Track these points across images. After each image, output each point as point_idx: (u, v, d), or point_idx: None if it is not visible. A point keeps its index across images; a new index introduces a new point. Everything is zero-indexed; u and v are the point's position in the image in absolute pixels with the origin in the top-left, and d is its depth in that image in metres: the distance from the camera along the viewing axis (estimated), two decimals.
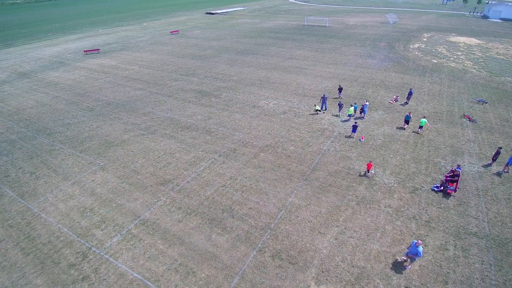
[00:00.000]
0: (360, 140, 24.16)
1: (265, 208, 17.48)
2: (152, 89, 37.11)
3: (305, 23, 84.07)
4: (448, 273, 13.40)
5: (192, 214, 17.21)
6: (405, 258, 13.89)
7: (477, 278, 13.14)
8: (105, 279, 13.59)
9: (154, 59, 51.47)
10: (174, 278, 13.56)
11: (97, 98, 34.76)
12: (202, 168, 21.34)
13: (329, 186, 19.13)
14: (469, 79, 37.22)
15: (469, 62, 44.14)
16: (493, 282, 12.98)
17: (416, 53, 50.22)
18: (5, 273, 14.09)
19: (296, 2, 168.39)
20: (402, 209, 17.08)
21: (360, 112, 27.98)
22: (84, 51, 57.42)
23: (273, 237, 15.56)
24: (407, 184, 19.02)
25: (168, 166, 21.68)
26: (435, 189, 18.30)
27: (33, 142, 25.56)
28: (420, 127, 24.68)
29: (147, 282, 13.39)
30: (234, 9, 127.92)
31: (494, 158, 20.26)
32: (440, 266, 13.71)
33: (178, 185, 19.60)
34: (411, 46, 54.64)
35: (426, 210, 16.90)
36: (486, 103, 30.19)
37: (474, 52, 49.99)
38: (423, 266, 13.74)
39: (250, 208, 17.55)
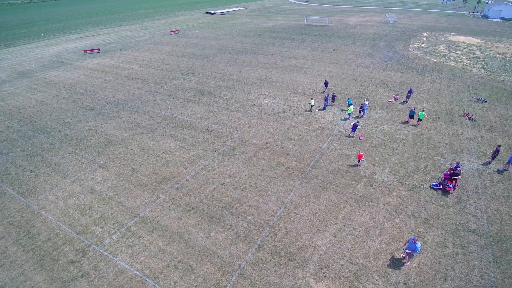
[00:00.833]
0: (359, 138, 24.18)
1: (264, 206, 17.51)
2: (152, 88, 37.15)
3: (305, 23, 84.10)
4: (447, 270, 13.42)
5: (192, 211, 17.24)
6: (404, 255, 13.92)
7: (476, 275, 13.16)
8: (104, 276, 13.62)
9: (154, 58, 51.51)
10: (173, 275, 13.59)
11: (97, 97, 34.80)
12: (202, 166, 21.37)
13: (328, 184, 19.16)
14: (468, 78, 37.23)
15: (469, 61, 44.15)
16: (492, 279, 13.00)
17: (416, 52, 50.23)
18: (5, 270, 14.12)
19: (296, 2, 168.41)
20: (401, 206, 17.10)
21: (360, 111, 28.01)
22: (84, 50, 57.46)
23: (272, 234, 15.58)
24: (406, 182, 19.04)
25: (168, 164, 21.71)
26: (434, 187, 18.32)
27: (33, 141, 25.61)
28: (419, 119, 25.48)
29: (147, 279, 13.42)
30: (234, 9, 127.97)
31: (494, 156, 20.27)
32: (439, 263, 13.73)
33: (178, 183, 19.63)
34: (411, 46, 54.65)
35: (425, 208, 16.92)
36: (486, 101, 30.21)
37: (473, 51, 50.01)
38: (422, 263, 13.76)
39: (249, 205, 17.58)
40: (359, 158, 20.42)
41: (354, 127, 24.12)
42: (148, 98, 34.08)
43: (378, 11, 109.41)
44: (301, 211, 17.03)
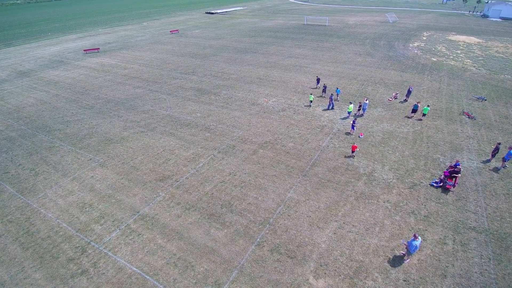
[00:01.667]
0: (359, 136, 24.16)
1: (264, 203, 17.50)
2: (151, 87, 37.15)
3: (305, 22, 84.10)
4: (447, 267, 13.40)
5: (191, 209, 17.23)
6: (403, 252, 13.90)
7: (476, 272, 13.14)
8: (103, 273, 13.60)
9: (153, 58, 51.52)
10: (172, 272, 13.57)
11: (96, 96, 34.80)
12: (201, 164, 21.36)
13: (328, 182, 19.14)
14: (468, 77, 37.22)
15: (469, 61, 44.14)
16: (492, 276, 12.98)
17: (416, 51, 50.22)
18: (4, 267, 14.11)
19: (295, 1, 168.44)
20: (401, 204, 17.09)
21: (358, 109, 28.00)
22: (84, 50, 57.48)
23: (271, 232, 15.57)
24: (406, 180, 19.02)
25: (167, 162, 21.70)
26: (434, 184, 18.30)
27: (32, 139, 25.60)
28: (424, 114, 26.35)
29: (146, 276, 13.40)
30: (233, 9, 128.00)
31: (494, 153, 20.27)
32: (439, 260, 13.71)
33: (177, 181, 19.62)
34: (411, 45, 54.64)
35: (425, 205, 16.90)
36: (485, 100, 30.19)
37: (473, 50, 49.99)
38: (422, 260, 13.74)
39: (249, 203, 17.57)
40: (353, 149, 21.35)
41: (353, 125, 24.12)
42: (148, 97, 34.07)
43: (378, 11, 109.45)
44: (300, 209, 17.02)
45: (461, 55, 47.01)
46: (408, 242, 13.19)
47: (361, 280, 12.97)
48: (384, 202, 17.29)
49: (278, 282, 13.02)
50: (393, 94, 31.72)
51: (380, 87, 34.75)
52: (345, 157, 21.62)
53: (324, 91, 32.25)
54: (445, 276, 13.01)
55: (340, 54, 49.92)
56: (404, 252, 13.92)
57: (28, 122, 28.89)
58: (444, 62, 43.69)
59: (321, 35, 65.39)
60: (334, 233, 15.35)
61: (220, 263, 13.96)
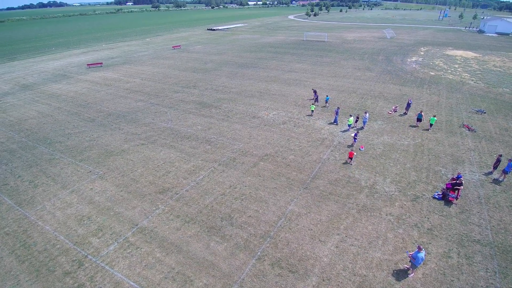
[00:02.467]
0: (360, 149, 24.14)
1: (265, 216, 17.26)
2: (153, 100, 37.50)
3: (304, 38, 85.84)
4: (452, 281, 13.05)
5: (191, 222, 16.98)
6: (407, 266, 13.58)
7: (481, 286, 12.78)
8: (100, 287, 13.26)
9: (155, 72, 52.29)
10: (171, 286, 13.22)
11: (98, 109, 35.07)
12: (202, 176, 21.24)
13: (329, 195, 18.96)
14: (467, 90, 37.58)
15: (467, 74, 44.71)
16: None
17: (414, 66, 50.97)
18: (0, 280, 13.77)
19: (295, 19, 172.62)
20: (404, 217, 16.85)
21: (356, 121, 28.07)
22: (87, 64, 58.44)
23: (272, 245, 15.27)
24: (408, 192, 18.84)
25: (168, 175, 21.59)
26: (437, 197, 18.11)
27: (33, 152, 25.60)
28: (430, 124, 26.90)
29: None
30: (235, 26, 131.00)
31: (495, 165, 20.18)
32: (444, 274, 13.36)
33: (177, 194, 19.45)
34: (409, 60, 55.54)
35: (428, 218, 16.65)
36: (485, 113, 30.35)
37: (471, 64, 50.74)
38: (427, 274, 13.40)
39: (250, 216, 17.34)
40: (350, 156, 21.84)
41: (355, 138, 24.15)
42: (149, 110, 34.33)
43: (376, 27, 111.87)
44: (302, 222, 16.77)
45: (458, 69, 47.66)
46: (412, 255, 12.90)
47: None
48: (386, 215, 17.06)
49: None
50: (393, 107, 31.95)
51: (379, 100, 35.04)
52: (343, 163, 22.24)
53: (316, 100, 33.48)
54: None
55: (340, 68, 50.66)
56: (408, 266, 13.59)
57: (29, 134, 28.99)
58: (442, 76, 44.25)
59: (320, 51, 66.59)
60: (336, 247, 15.05)
61: (220, 277, 13.62)
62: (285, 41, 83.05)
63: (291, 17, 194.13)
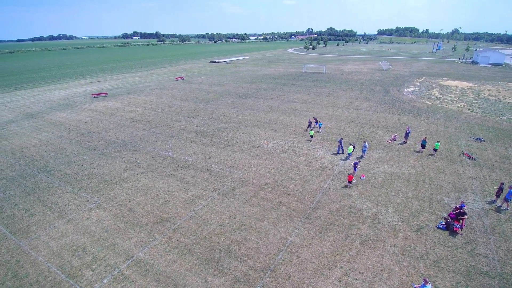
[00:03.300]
0: (360, 178, 23.97)
1: (265, 248, 16.72)
2: (155, 129, 37.99)
3: (304, 70, 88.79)
4: None
5: (188, 254, 16.42)
6: None
7: None
8: None
9: (158, 102, 53.52)
10: None
11: (100, 138, 35.43)
12: (201, 206, 20.90)
13: (331, 225, 18.50)
14: (464, 119, 38.08)
15: (463, 104, 45.58)
16: None
17: (411, 96, 52.15)
18: None
19: (294, 52, 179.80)
20: (408, 248, 16.30)
21: (353, 148, 28.10)
22: (92, 94, 60.01)
23: (273, 279, 14.62)
24: (412, 223, 18.39)
25: (166, 204, 21.27)
26: (441, 227, 17.65)
27: (32, 179, 25.47)
28: (435, 149, 27.68)
29: None
30: (236, 58, 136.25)
31: (498, 194, 19.91)
32: None
33: (175, 224, 19.01)
34: (405, 90, 56.94)
35: (433, 249, 16.09)
36: (484, 141, 30.50)
37: (466, 94, 51.91)
38: None
39: (249, 248, 16.79)
40: (349, 179, 22.39)
41: (355, 166, 24.07)
42: (151, 139, 34.65)
43: (372, 60, 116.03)
44: (303, 254, 16.20)
45: (455, 99, 48.68)
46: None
47: None
48: (390, 246, 16.51)
49: None
50: (392, 136, 32.20)
51: (378, 129, 35.42)
52: (342, 187, 22.72)
53: (309, 126, 35.61)
54: None
55: (338, 98, 51.83)
56: None
57: (29, 162, 29.02)
58: (439, 105, 45.09)
59: (319, 82, 68.58)
60: (340, 281, 14.39)
61: None
62: (284, 72, 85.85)
63: (290, 50, 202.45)
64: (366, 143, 27.79)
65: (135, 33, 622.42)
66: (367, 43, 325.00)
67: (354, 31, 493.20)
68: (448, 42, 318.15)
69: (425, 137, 28.97)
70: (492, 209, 19.50)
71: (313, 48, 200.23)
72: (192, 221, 19.22)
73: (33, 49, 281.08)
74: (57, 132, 38.44)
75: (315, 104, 48.36)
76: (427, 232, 17.51)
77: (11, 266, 15.90)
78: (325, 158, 28.04)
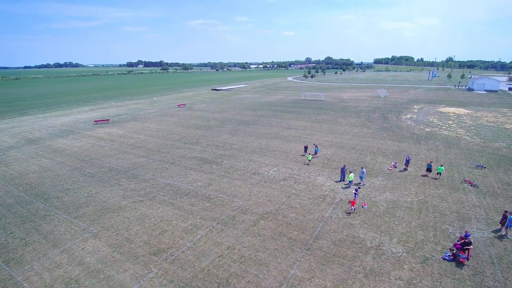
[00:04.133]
0: (362, 207, 23.59)
1: (265, 282, 16.06)
2: (155, 156, 38.05)
3: (303, 98, 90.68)
4: None
5: None
6: None
7: None
8: None
9: (160, 128, 54.10)
10: None
11: (100, 165, 35.38)
12: (199, 236, 20.38)
13: (333, 257, 17.92)
14: (464, 146, 38.20)
15: (462, 130, 45.96)
16: None
17: (409, 122, 52.75)
18: None
19: (294, 80, 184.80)
20: (415, 281, 15.65)
21: (354, 176, 27.98)
22: (95, 121, 60.81)
23: None
24: (417, 253, 17.82)
25: (164, 234, 20.76)
26: (447, 258, 17.07)
27: (28, 207, 25.09)
28: (438, 173, 27.88)
29: None
30: (237, 86, 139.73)
31: (502, 222, 19.49)
32: None
33: (172, 255, 18.43)
34: (403, 117, 57.71)
35: (440, 282, 15.44)
36: (485, 168, 30.37)
37: (464, 120, 52.52)
38: None
39: (249, 281, 16.14)
40: (352, 205, 22.41)
41: (355, 194, 23.78)
42: (151, 165, 34.60)
43: (369, 87, 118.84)
44: None
45: (453, 125, 49.18)
46: None
47: None
48: (396, 279, 15.87)
49: None
50: (393, 163, 32.14)
51: (378, 156, 35.44)
52: (344, 215, 22.52)
53: (305, 150, 36.58)
54: None
55: (337, 125, 52.41)
56: None
57: (27, 189, 28.75)
58: (438, 132, 45.46)
59: (318, 109, 69.74)
60: None
61: None
62: (284, 100, 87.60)
63: (289, 78, 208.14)
64: (364, 170, 27.70)
65: (140, 62, 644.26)
66: (364, 71, 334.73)
67: (351, 60, 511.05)
68: (443, 69, 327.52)
69: (431, 161, 29.43)
70: (498, 238, 18.99)
71: (312, 76, 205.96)
72: (190, 252, 18.65)
73: (39, 76, 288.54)
74: (57, 158, 38.48)
75: (315, 131, 48.81)
76: (433, 263, 16.91)
77: None
78: (326, 185, 27.79)
